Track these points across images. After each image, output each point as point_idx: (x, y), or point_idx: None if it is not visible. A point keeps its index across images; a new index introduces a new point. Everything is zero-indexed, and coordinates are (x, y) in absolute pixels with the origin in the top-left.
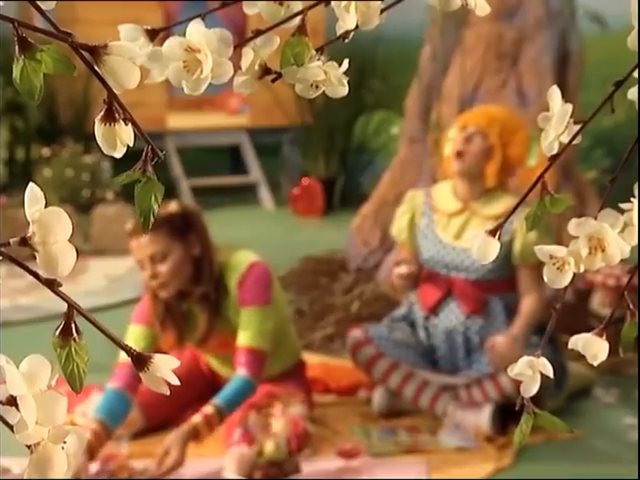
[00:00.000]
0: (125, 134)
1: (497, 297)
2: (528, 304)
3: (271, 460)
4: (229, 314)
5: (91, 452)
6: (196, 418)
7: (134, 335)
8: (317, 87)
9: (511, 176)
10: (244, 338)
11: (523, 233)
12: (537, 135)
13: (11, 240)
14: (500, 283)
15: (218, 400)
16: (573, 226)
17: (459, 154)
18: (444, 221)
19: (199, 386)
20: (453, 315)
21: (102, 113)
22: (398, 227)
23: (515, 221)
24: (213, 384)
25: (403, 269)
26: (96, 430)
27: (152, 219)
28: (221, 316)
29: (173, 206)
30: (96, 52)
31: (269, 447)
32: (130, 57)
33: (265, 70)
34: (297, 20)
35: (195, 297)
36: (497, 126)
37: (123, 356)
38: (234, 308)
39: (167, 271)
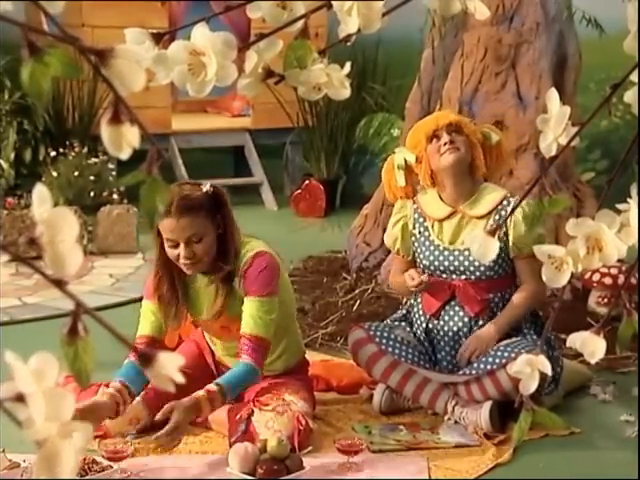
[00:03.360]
0: (131, 135)
1: (499, 294)
2: (518, 297)
3: (273, 456)
4: (234, 299)
5: (116, 407)
6: (199, 392)
7: (146, 309)
8: (319, 89)
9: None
10: (247, 326)
11: (515, 225)
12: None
13: (20, 240)
14: (501, 280)
15: (222, 381)
16: (571, 226)
17: (452, 147)
18: (437, 226)
19: (205, 382)
20: (457, 317)
21: (108, 115)
22: (392, 237)
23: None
24: None
25: (424, 278)
26: (118, 388)
27: (157, 218)
28: (231, 298)
29: (207, 187)
30: (103, 55)
31: (271, 443)
32: (136, 60)
33: (268, 73)
34: (300, 23)
35: (220, 275)
36: (461, 118)
37: (138, 332)
38: (238, 294)
39: (202, 251)
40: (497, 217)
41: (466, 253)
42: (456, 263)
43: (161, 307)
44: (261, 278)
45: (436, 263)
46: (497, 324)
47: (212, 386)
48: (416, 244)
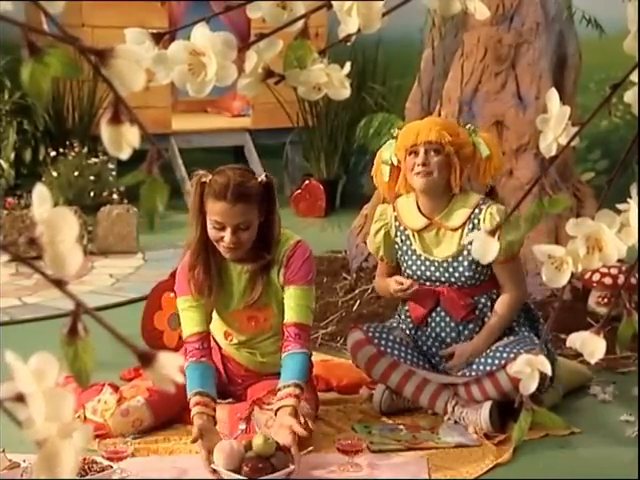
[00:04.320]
0: (131, 135)
1: (485, 295)
2: (501, 305)
3: (259, 454)
4: (269, 288)
5: (214, 421)
6: (289, 401)
7: (184, 306)
8: (319, 89)
9: (463, 173)
10: (295, 314)
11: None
12: (476, 127)
13: (20, 240)
14: (484, 284)
15: (296, 379)
16: (571, 226)
17: (424, 170)
18: (418, 236)
19: None
20: (444, 323)
21: (108, 115)
22: (375, 245)
23: (480, 222)
24: (222, 383)
25: (407, 283)
26: (203, 401)
27: (157, 219)
28: (266, 287)
29: (262, 177)
30: (103, 55)
31: (257, 441)
32: (136, 60)
33: (268, 73)
34: (300, 23)
35: (261, 264)
36: (445, 135)
37: (185, 332)
38: (273, 283)
39: (246, 239)
40: (470, 226)
41: (445, 264)
42: (437, 274)
43: (195, 289)
44: (305, 267)
45: (419, 272)
46: (484, 337)
47: (294, 390)
48: (399, 252)
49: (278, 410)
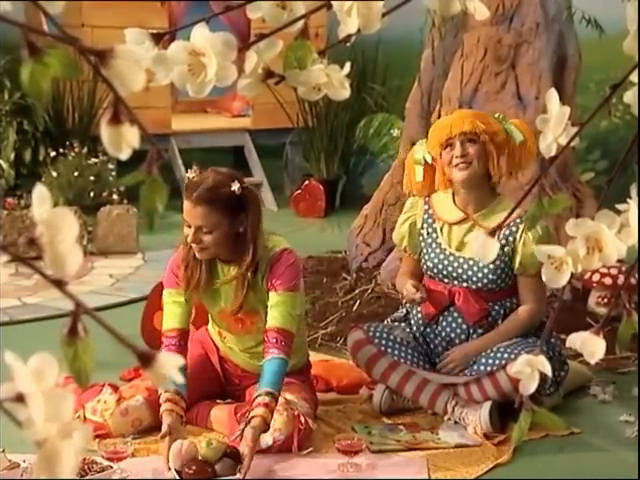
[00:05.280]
0: (131, 136)
1: (499, 302)
2: (516, 317)
3: (204, 458)
4: (255, 293)
5: (181, 419)
6: (259, 411)
7: (169, 301)
8: (319, 90)
9: (511, 161)
10: (275, 320)
11: (524, 243)
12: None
13: (20, 240)
14: (501, 292)
15: (269, 387)
16: (571, 226)
17: (463, 162)
18: (446, 230)
19: (208, 384)
20: (455, 324)
21: (108, 115)
22: (400, 235)
23: (518, 232)
24: (221, 383)
25: (417, 296)
26: (174, 398)
27: (157, 219)
28: (252, 292)
29: (235, 187)
30: (102, 56)
31: (202, 444)
32: (136, 60)
33: (268, 73)
34: (300, 24)
35: (245, 271)
36: (479, 124)
37: (165, 325)
38: (259, 289)
39: (209, 242)
40: (507, 232)
41: (471, 262)
42: (460, 270)
43: (185, 283)
44: (288, 273)
45: (440, 267)
46: (491, 340)
47: (265, 398)
48: (422, 244)
49: (250, 419)
